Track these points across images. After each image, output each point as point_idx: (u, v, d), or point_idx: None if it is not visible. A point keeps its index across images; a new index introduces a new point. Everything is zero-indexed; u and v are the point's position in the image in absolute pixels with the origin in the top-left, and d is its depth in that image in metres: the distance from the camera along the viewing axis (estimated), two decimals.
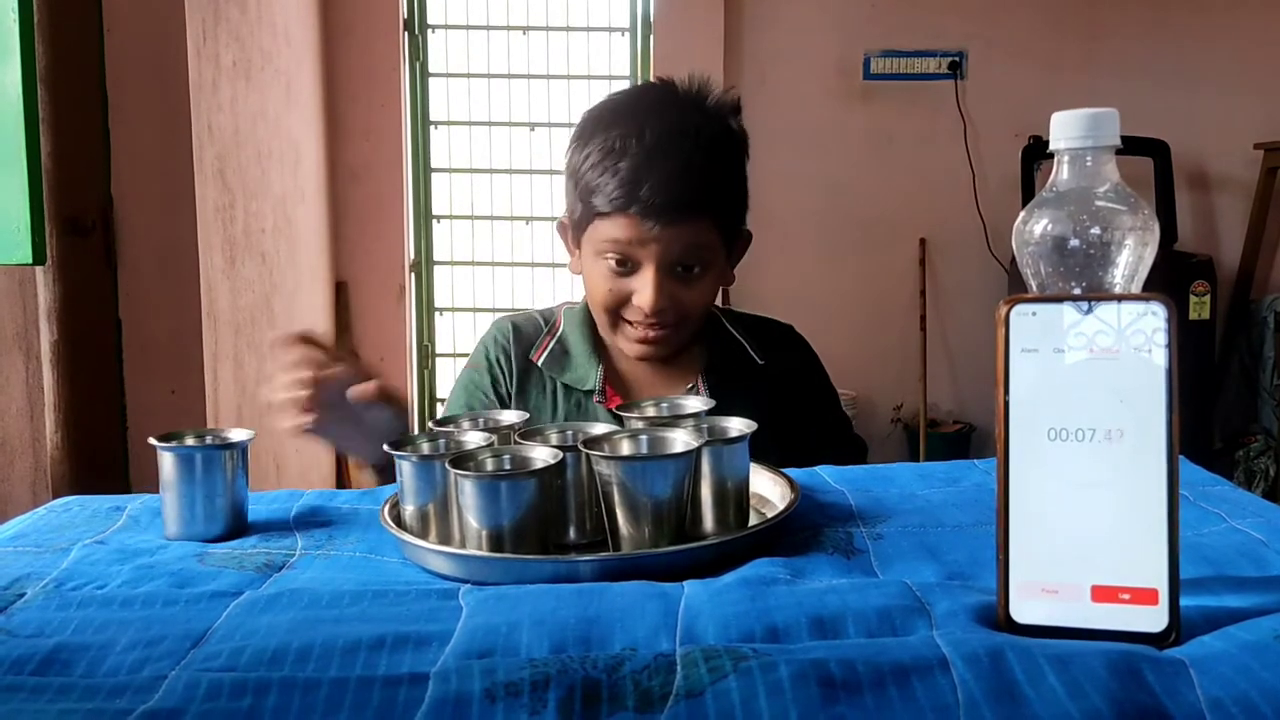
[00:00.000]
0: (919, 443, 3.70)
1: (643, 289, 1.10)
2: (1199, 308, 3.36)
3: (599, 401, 1.17)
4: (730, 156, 1.14)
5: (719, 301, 1.29)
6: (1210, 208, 3.82)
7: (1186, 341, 3.08)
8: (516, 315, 1.27)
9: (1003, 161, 3.65)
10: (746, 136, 1.18)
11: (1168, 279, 3.21)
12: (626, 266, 1.12)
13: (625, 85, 3.83)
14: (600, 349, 1.21)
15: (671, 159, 1.08)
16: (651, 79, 3.65)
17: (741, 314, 1.30)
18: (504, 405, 1.20)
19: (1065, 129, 0.61)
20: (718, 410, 0.86)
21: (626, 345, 1.17)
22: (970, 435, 3.75)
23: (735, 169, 1.15)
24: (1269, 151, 3.56)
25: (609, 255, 1.12)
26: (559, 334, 1.23)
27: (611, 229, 1.10)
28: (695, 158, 1.09)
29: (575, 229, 1.18)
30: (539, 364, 1.20)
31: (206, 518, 0.82)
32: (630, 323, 1.15)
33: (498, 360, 1.22)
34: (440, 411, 1.17)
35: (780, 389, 1.22)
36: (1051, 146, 0.62)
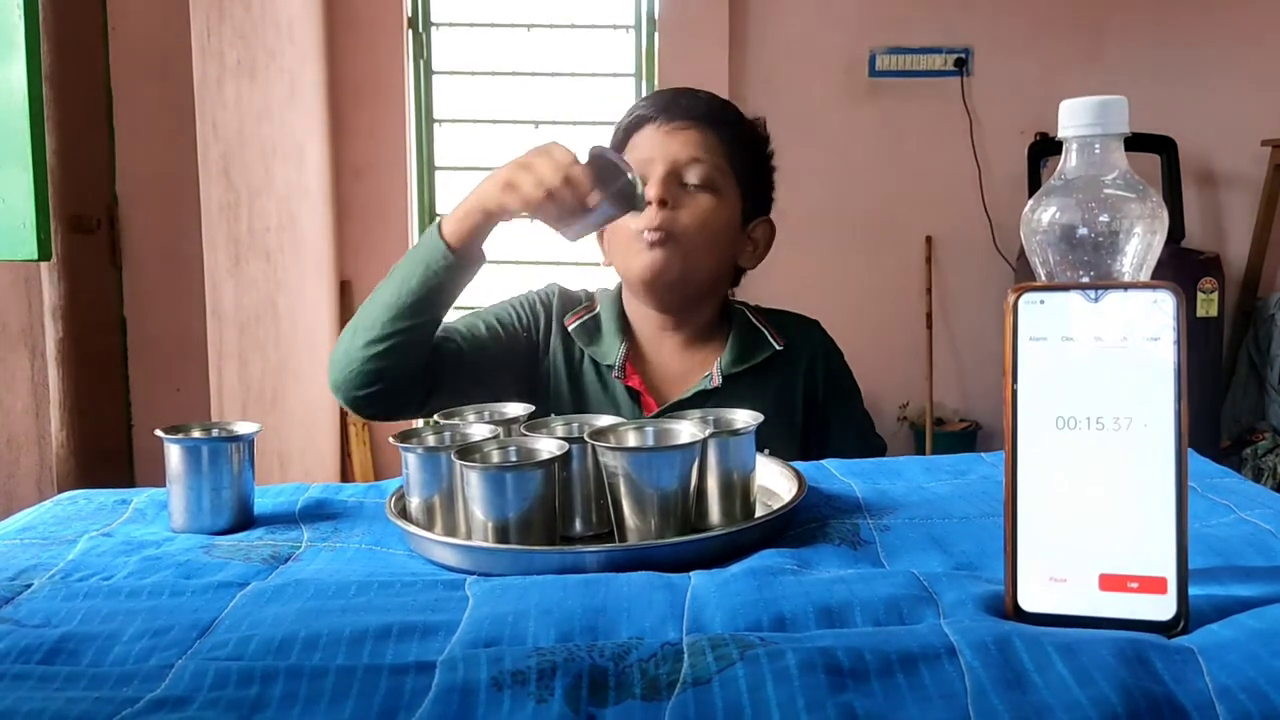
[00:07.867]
0: (925, 441, 3.70)
1: (651, 185, 1.20)
2: (1206, 305, 3.34)
3: (617, 378, 1.23)
4: (741, 121, 1.28)
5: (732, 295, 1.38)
6: (1218, 205, 3.81)
7: (1193, 339, 3.06)
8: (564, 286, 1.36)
9: (1009, 158, 3.63)
10: (768, 136, 1.32)
11: (1174, 276, 3.12)
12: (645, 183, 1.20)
13: (630, 83, 3.85)
14: (627, 329, 1.28)
15: (682, 88, 1.28)
16: (656, 77, 3.67)
17: (767, 308, 1.36)
18: (517, 347, 1.26)
19: (1074, 116, 0.61)
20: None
21: (638, 266, 1.22)
22: (976, 433, 3.74)
23: (747, 131, 1.29)
24: (1277, 148, 3.54)
25: None
26: (595, 310, 1.30)
27: (635, 148, 1.24)
28: (704, 93, 1.28)
29: None
30: (570, 330, 1.27)
31: (213, 510, 0.82)
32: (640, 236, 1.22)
33: (543, 305, 1.30)
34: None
35: (797, 375, 1.27)
36: (1060, 134, 0.62)
